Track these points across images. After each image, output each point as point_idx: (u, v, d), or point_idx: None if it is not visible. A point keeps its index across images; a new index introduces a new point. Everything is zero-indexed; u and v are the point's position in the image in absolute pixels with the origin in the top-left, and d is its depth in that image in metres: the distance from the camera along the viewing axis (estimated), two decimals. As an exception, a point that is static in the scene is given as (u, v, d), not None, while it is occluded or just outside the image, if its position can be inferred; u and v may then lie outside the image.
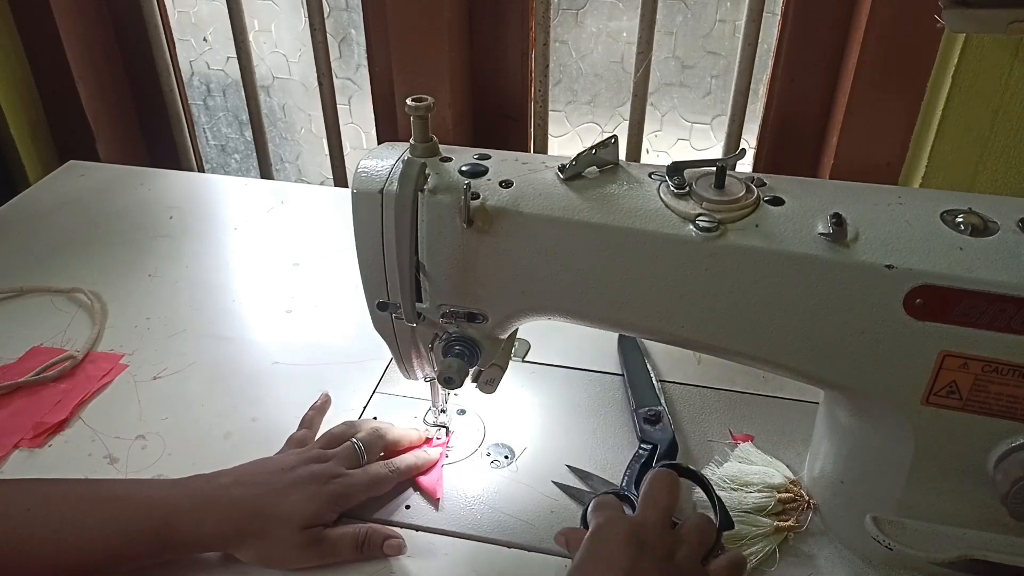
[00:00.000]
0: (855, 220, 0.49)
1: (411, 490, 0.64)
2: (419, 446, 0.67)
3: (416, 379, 0.66)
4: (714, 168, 0.52)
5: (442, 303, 0.57)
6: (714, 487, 0.60)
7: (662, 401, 0.71)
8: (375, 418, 0.70)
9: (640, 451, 0.66)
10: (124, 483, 0.62)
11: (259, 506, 0.57)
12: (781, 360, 0.53)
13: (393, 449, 0.66)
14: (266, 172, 1.22)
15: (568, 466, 0.67)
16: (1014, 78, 0.79)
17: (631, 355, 0.76)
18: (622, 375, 0.75)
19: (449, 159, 0.56)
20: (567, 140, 1.14)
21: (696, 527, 0.54)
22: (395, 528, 0.61)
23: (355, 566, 0.58)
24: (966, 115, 0.82)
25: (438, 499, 0.63)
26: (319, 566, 0.58)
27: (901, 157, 0.93)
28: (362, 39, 1.10)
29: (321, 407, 0.72)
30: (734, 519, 0.58)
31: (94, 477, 0.64)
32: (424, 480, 0.64)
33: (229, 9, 1.09)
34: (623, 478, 0.64)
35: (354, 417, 0.71)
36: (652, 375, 0.74)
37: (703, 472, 0.63)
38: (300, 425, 0.69)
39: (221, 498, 0.57)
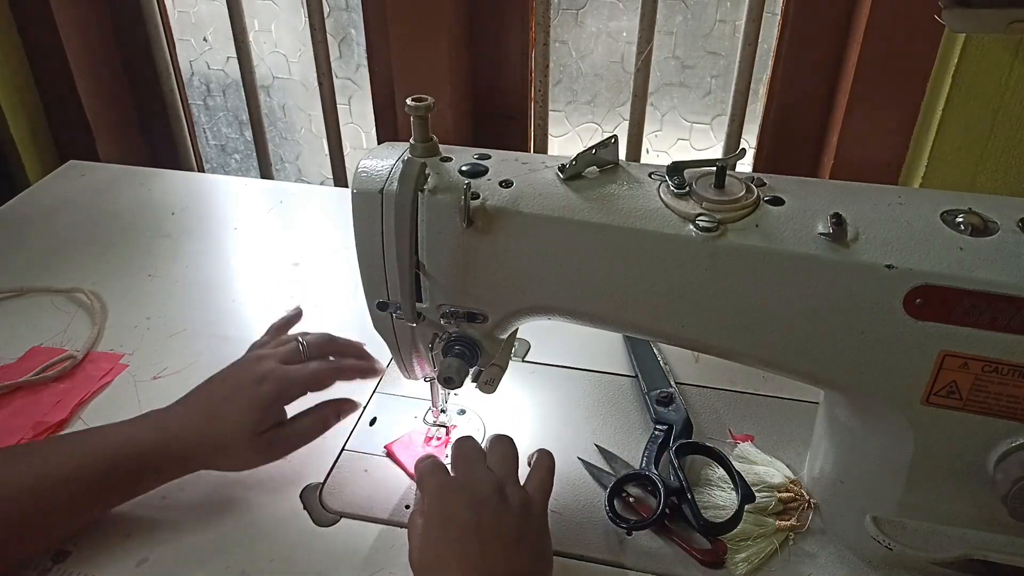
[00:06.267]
0: (855, 220, 0.49)
1: (412, 485, 0.64)
2: (368, 362, 0.68)
3: (416, 379, 0.66)
4: (714, 168, 0.52)
5: (442, 303, 0.57)
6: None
7: (672, 383, 0.72)
8: (375, 419, 0.71)
9: (656, 432, 0.67)
10: (90, 433, 0.61)
11: (210, 424, 0.60)
12: (781, 360, 0.53)
13: (342, 355, 0.67)
14: (266, 172, 1.22)
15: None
16: (1014, 78, 0.79)
17: (638, 341, 0.77)
18: (631, 361, 0.76)
19: (449, 159, 0.56)
20: (567, 140, 1.14)
21: (500, 454, 0.58)
22: (390, 525, 0.61)
23: (357, 566, 0.58)
24: (966, 115, 0.82)
25: None
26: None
27: (901, 157, 0.93)
28: (362, 39, 1.10)
29: (291, 318, 0.73)
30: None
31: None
32: None
33: (229, 9, 1.09)
34: (641, 459, 0.65)
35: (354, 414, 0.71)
36: (660, 359, 0.75)
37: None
38: (265, 332, 0.71)
39: (177, 425, 0.60)
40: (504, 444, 0.59)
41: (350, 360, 0.67)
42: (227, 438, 0.59)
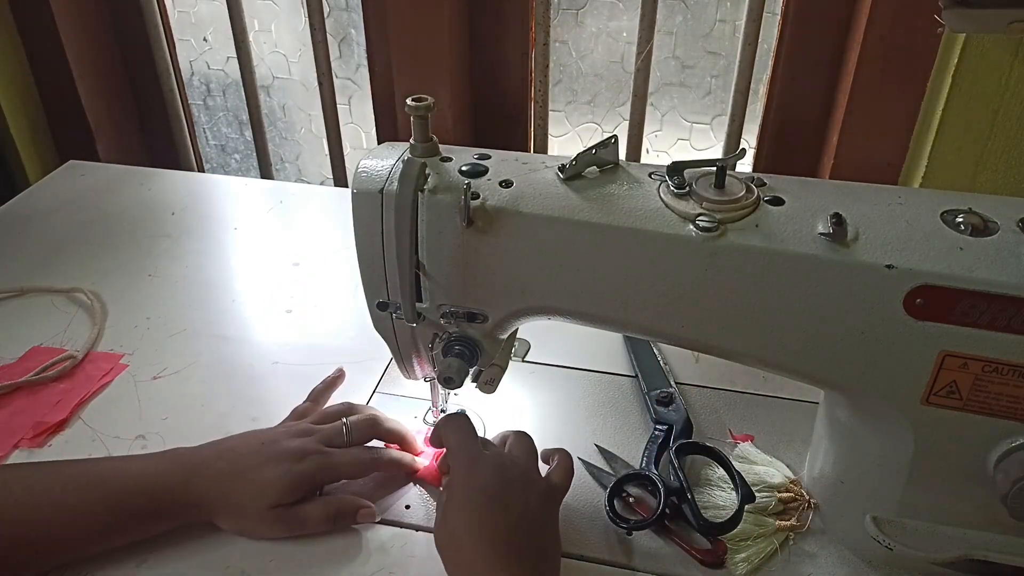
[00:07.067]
0: (855, 220, 0.49)
1: (411, 486, 0.64)
2: (412, 449, 0.66)
3: (416, 379, 0.66)
4: (714, 168, 0.52)
5: (442, 303, 0.57)
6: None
7: (672, 383, 0.72)
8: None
9: (656, 432, 0.67)
10: (110, 462, 0.62)
11: (234, 482, 0.58)
12: (781, 360, 0.53)
13: (385, 441, 0.66)
14: (266, 172, 1.22)
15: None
16: (1014, 78, 0.79)
17: (638, 341, 0.77)
18: (631, 361, 0.76)
19: (449, 159, 0.56)
20: (567, 140, 1.14)
21: (520, 449, 0.60)
22: (390, 525, 0.61)
23: (357, 566, 0.59)
24: (966, 115, 0.82)
25: (440, 487, 0.63)
26: (293, 537, 0.60)
27: (901, 157, 0.93)
28: (362, 39, 1.10)
29: (332, 382, 0.73)
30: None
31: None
32: (426, 470, 0.65)
33: (229, 9, 1.09)
34: (641, 459, 0.65)
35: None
36: (660, 359, 0.75)
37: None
38: (307, 398, 0.70)
39: (202, 471, 0.58)
40: (524, 440, 0.61)
41: (392, 452, 0.64)
42: (245, 502, 0.58)
